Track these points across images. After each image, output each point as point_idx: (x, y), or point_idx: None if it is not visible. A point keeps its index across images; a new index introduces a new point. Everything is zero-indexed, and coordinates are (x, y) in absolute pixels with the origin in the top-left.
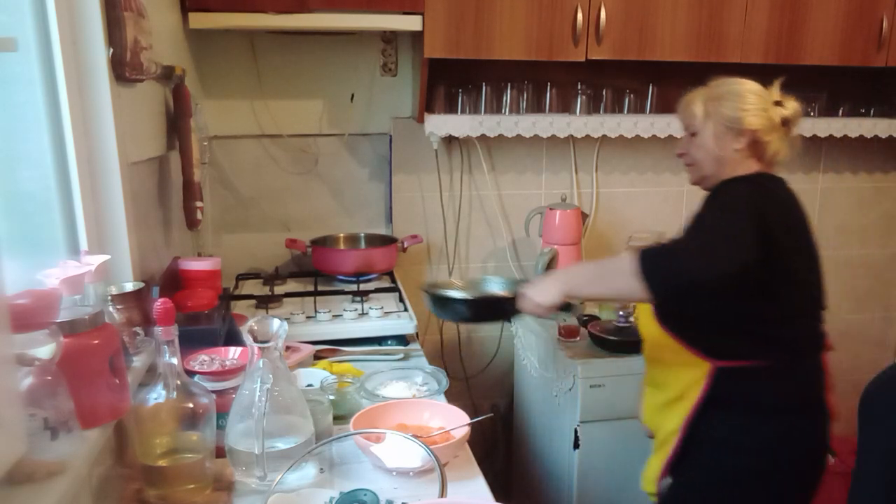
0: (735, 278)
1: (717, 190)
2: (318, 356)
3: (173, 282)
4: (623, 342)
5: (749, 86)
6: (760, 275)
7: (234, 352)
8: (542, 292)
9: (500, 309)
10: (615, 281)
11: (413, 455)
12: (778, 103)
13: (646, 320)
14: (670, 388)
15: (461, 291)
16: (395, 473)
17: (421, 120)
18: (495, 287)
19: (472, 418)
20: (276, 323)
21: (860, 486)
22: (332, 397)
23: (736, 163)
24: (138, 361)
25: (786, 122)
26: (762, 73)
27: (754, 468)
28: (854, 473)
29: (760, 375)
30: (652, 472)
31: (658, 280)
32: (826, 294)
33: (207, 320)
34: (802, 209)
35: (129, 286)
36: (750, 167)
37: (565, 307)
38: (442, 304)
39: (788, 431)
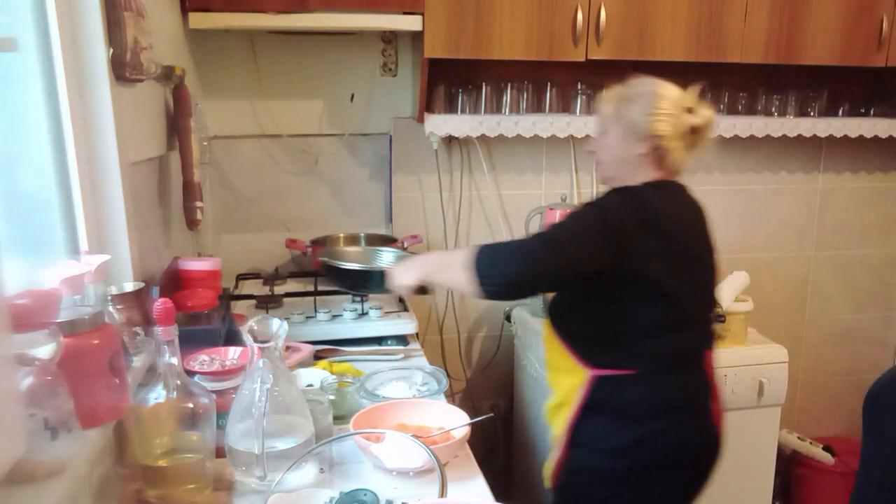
0: (558, 286)
1: (597, 198)
2: (318, 356)
3: (173, 282)
4: None
5: (663, 89)
6: (621, 285)
7: (234, 352)
8: (402, 274)
9: (371, 282)
10: (452, 272)
11: (413, 455)
12: (689, 110)
13: (545, 323)
14: (558, 392)
15: (349, 262)
16: (395, 473)
17: (421, 120)
18: (383, 261)
19: (472, 418)
20: (276, 323)
21: (864, 488)
22: (332, 397)
23: (637, 167)
24: (138, 361)
25: (695, 130)
26: (762, 73)
27: (617, 470)
28: (858, 475)
29: (629, 384)
30: (547, 471)
31: (483, 277)
32: (707, 306)
33: (207, 320)
34: (692, 222)
35: (129, 286)
36: (650, 173)
37: (421, 290)
38: (327, 270)
39: (648, 436)
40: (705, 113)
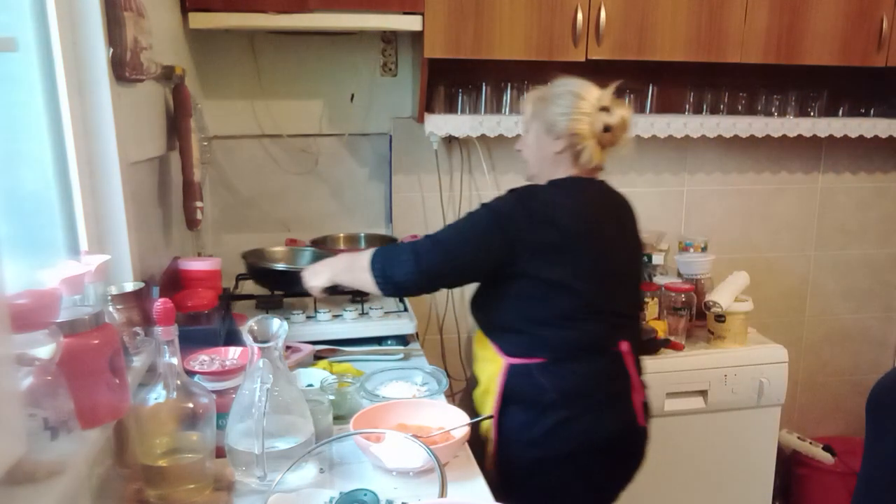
0: (451, 283)
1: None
2: (318, 356)
3: (173, 282)
4: None
5: (580, 89)
6: (519, 278)
7: (234, 352)
8: (313, 276)
9: (288, 283)
10: (357, 274)
11: (413, 455)
12: (605, 109)
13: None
14: (482, 380)
15: (275, 263)
16: (395, 473)
17: (421, 120)
18: (305, 261)
19: (471, 418)
20: (276, 323)
21: (869, 488)
22: (332, 397)
23: (555, 164)
24: (138, 361)
25: (608, 129)
26: (762, 73)
27: (538, 459)
28: (861, 475)
29: (538, 372)
30: (488, 460)
31: (379, 279)
32: (621, 298)
33: (207, 320)
34: (603, 217)
35: (129, 286)
36: (567, 170)
37: (331, 289)
38: (251, 271)
39: (559, 425)
40: (620, 112)
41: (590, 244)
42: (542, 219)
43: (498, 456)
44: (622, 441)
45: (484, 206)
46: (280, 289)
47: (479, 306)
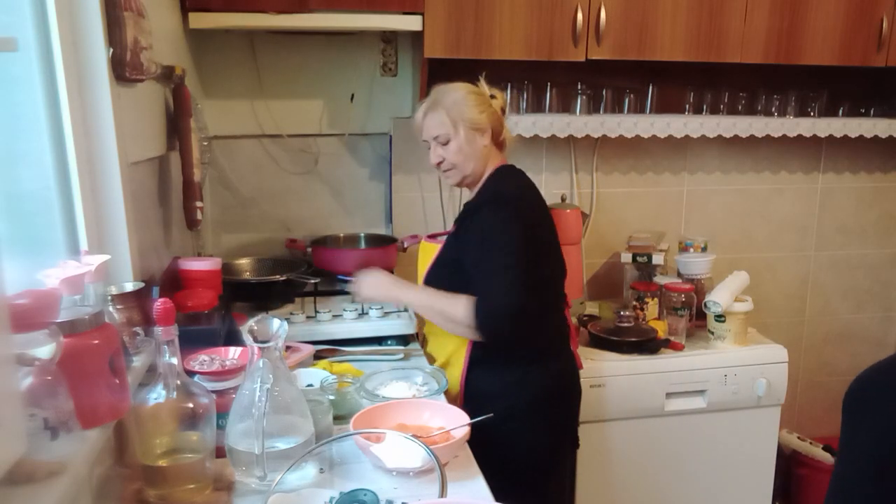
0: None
1: (485, 208)
2: (318, 356)
3: (173, 282)
4: (623, 342)
5: (468, 88)
6: None
7: (234, 352)
8: (372, 289)
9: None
10: (448, 325)
11: (413, 455)
12: (493, 97)
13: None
14: (439, 355)
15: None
16: (395, 473)
17: None
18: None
19: (471, 418)
20: (276, 323)
21: (845, 481)
22: (332, 397)
23: (487, 157)
24: (138, 361)
25: (503, 111)
26: (762, 73)
27: (509, 409)
28: (836, 469)
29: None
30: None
31: (489, 334)
32: (562, 268)
33: (207, 320)
34: (542, 199)
35: (129, 286)
36: (496, 157)
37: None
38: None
39: (524, 376)
40: (501, 94)
41: (546, 214)
42: (539, 218)
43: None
44: (574, 382)
45: (504, 235)
46: (254, 300)
47: (445, 287)
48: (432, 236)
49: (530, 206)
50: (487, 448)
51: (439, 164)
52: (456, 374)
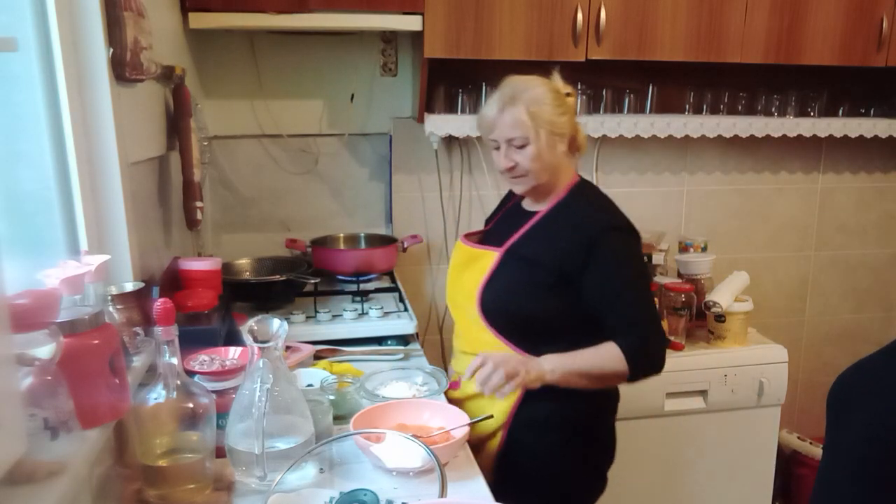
0: None
1: (602, 239)
2: (318, 356)
3: (173, 282)
4: None
5: (547, 84)
6: None
7: (234, 352)
8: (542, 372)
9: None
10: (609, 380)
11: (413, 455)
12: (568, 95)
13: (468, 321)
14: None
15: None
16: (395, 473)
17: (421, 120)
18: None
19: (471, 418)
20: (276, 323)
21: (830, 480)
22: (332, 397)
23: (565, 166)
24: (138, 361)
25: (575, 112)
26: (762, 73)
27: (558, 445)
28: (822, 468)
29: None
30: (488, 454)
31: (640, 377)
32: None
33: (207, 320)
34: None
35: (129, 286)
36: (571, 167)
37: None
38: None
39: (593, 404)
40: (573, 91)
41: None
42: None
43: (506, 443)
44: (612, 421)
45: (637, 271)
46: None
47: (513, 321)
48: (469, 235)
49: (638, 235)
50: (526, 477)
51: (510, 168)
52: (506, 401)
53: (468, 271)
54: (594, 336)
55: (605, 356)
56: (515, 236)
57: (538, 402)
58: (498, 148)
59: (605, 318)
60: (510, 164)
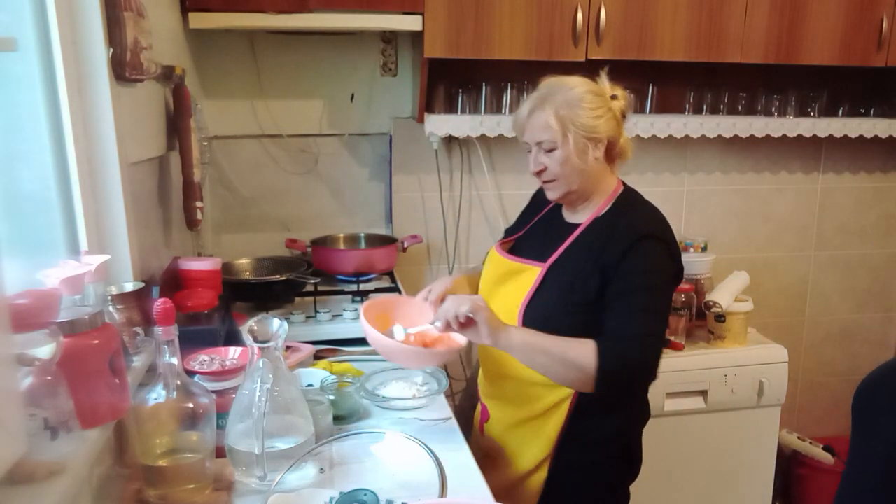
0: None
1: (634, 244)
2: (318, 356)
3: (173, 282)
4: None
5: (586, 86)
6: None
7: (234, 352)
8: (459, 304)
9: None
10: (570, 372)
11: (413, 454)
12: (613, 97)
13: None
14: (533, 407)
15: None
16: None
17: (421, 120)
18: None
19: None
20: (276, 323)
21: (854, 488)
22: (332, 397)
23: (599, 173)
24: (138, 361)
25: (624, 115)
26: (762, 73)
27: (601, 461)
28: (846, 474)
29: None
30: (536, 482)
31: (610, 384)
32: None
33: (207, 320)
34: None
35: (129, 286)
36: (610, 174)
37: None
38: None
39: (630, 419)
40: (623, 93)
41: None
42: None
43: (552, 473)
44: (641, 436)
45: (663, 275)
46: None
47: (561, 334)
48: (503, 244)
49: (677, 246)
50: (571, 498)
51: (539, 172)
52: (551, 430)
53: (507, 286)
54: None
55: (578, 346)
56: (558, 252)
57: (582, 423)
58: (530, 151)
59: (607, 321)
60: (539, 168)
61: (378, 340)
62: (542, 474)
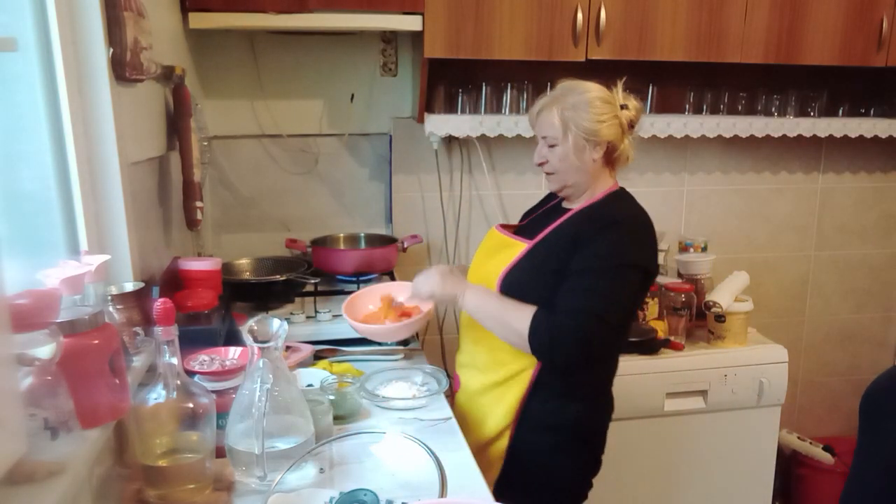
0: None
1: (605, 227)
2: (318, 356)
3: (173, 282)
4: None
5: (596, 92)
6: None
7: (234, 352)
8: (427, 283)
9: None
10: (510, 335)
11: (413, 454)
12: (623, 107)
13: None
14: (497, 373)
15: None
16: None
17: (421, 120)
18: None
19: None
20: (276, 323)
21: (861, 490)
22: (332, 397)
23: (596, 173)
24: (138, 361)
25: (632, 125)
26: (762, 73)
27: (559, 443)
28: (853, 476)
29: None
30: (496, 452)
31: (542, 354)
32: None
33: (207, 320)
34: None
35: (129, 286)
36: (607, 175)
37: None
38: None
39: (589, 411)
40: (635, 104)
41: (657, 257)
42: (653, 253)
43: (513, 442)
44: (610, 415)
45: (630, 267)
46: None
47: (538, 301)
48: (505, 227)
49: (653, 246)
50: (530, 476)
51: (542, 164)
52: (512, 398)
53: (495, 258)
54: None
55: (518, 311)
56: (545, 231)
57: (543, 403)
58: (539, 143)
59: (557, 296)
60: (541, 160)
61: (360, 328)
62: (503, 442)
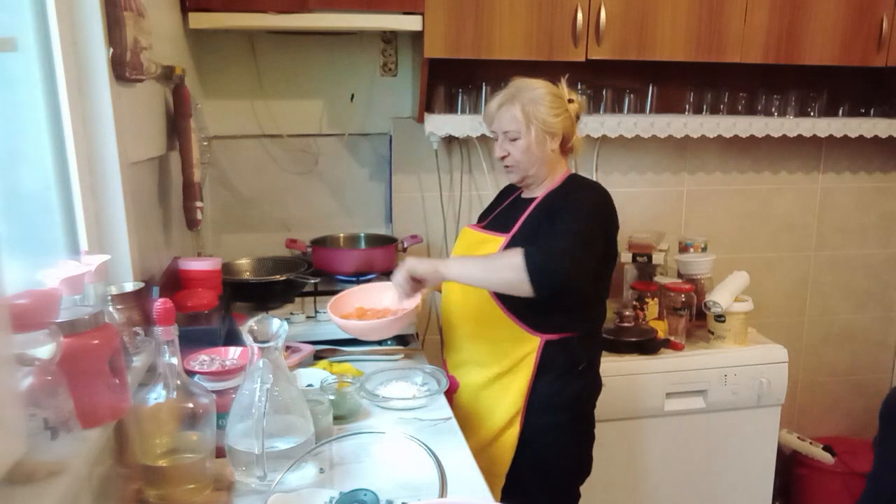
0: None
1: (571, 194)
2: (318, 356)
3: (173, 282)
4: (623, 342)
5: (547, 88)
6: (601, 263)
7: (234, 352)
8: (415, 262)
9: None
10: (504, 273)
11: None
12: (570, 101)
13: (473, 302)
14: (501, 363)
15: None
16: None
17: (421, 120)
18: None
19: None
20: (276, 323)
21: (875, 494)
22: (332, 397)
23: (553, 162)
24: (138, 361)
25: (577, 117)
26: (762, 73)
27: (568, 422)
28: (871, 478)
29: (574, 344)
30: (508, 442)
31: (539, 278)
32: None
33: (207, 320)
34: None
35: (129, 286)
36: (562, 163)
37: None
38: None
39: (586, 387)
40: (578, 98)
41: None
42: (615, 218)
43: (525, 426)
44: (594, 405)
45: (587, 207)
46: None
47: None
48: (476, 225)
49: (612, 209)
50: (543, 458)
51: (503, 158)
52: (519, 384)
53: (476, 253)
54: (595, 305)
55: (504, 253)
56: (519, 222)
57: (549, 384)
58: (497, 139)
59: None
60: (504, 154)
61: (346, 326)
62: (514, 430)
